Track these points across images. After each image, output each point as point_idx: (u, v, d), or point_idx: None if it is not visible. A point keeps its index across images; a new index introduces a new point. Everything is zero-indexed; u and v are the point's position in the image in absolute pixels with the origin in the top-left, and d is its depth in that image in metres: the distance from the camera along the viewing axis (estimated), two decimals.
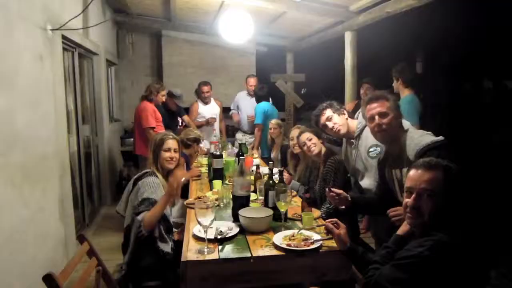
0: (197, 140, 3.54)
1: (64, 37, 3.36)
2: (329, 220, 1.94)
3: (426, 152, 1.84)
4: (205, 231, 1.90)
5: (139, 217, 2.18)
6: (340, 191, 2.20)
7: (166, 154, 2.50)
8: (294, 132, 3.35)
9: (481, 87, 7.87)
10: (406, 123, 2.16)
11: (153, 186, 2.31)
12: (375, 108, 2.05)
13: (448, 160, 1.54)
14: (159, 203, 2.22)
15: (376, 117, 2.03)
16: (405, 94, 3.59)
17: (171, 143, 2.54)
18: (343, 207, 2.25)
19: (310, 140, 2.99)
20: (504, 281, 2.92)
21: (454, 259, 1.40)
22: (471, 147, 4.73)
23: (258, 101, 5.06)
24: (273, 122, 4.38)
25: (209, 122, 5.30)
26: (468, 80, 7.82)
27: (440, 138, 1.95)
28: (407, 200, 1.53)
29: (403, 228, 1.74)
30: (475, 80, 7.82)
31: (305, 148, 3.02)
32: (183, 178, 2.77)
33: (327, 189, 2.21)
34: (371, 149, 2.42)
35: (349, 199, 2.21)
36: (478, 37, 6.14)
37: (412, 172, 1.54)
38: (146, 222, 2.16)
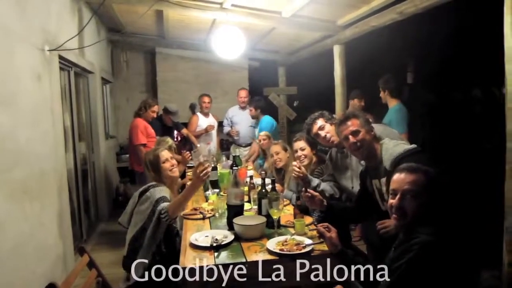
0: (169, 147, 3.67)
1: (60, 57, 3.46)
2: (321, 224, 2.03)
3: (400, 161, 1.96)
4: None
5: (160, 207, 2.32)
6: (316, 193, 2.31)
7: (167, 165, 2.63)
8: (275, 148, 3.43)
9: (470, 95, 8.03)
10: (381, 132, 2.29)
11: (162, 190, 2.46)
12: (347, 128, 2.18)
13: (424, 165, 1.66)
14: (184, 191, 2.33)
15: (350, 136, 2.17)
16: (393, 104, 3.73)
17: (165, 154, 2.66)
18: (318, 208, 2.40)
19: (303, 150, 3.02)
20: (497, 283, 2.99)
21: (440, 257, 1.48)
22: (460, 154, 4.86)
23: (263, 112, 5.20)
24: (262, 134, 4.49)
25: (207, 130, 5.45)
26: (457, 88, 7.98)
27: (413, 146, 2.09)
28: (392, 201, 1.63)
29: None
30: (464, 89, 7.98)
31: (295, 155, 3.08)
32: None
33: (303, 189, 2.31)
34: None
35: (325, 203, 2.31)
36: (465, 45, 6.31)
37: (396, 175, 1.65)
38: (170, 209, 2.28)
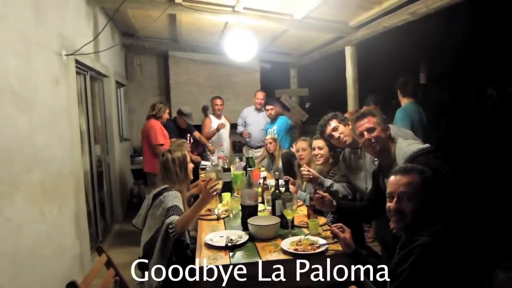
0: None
1: (77, 61, 3.54)
2: (335, 224, 2.04)
3: (413, 160, 1.96)
4: None
5: (168, 220, 2.27)
6: (325, 194, 2.32)
7: (190, 166, 2.67)
8: (300, 144, 3.45)
9: (484, 95, 7.92)
10: (395, 133, 2.29)
11: (176, 197, 2.43)
12: (363, 124, 2.20)
13: (437, 164, 1.65)
14: (193, 206, 2.29)
15: (365, 133, 2.19)
16: (403, 103, 3.75)
17: (189, 156, 2.70)
18: (328, 210, 2.40)
19: (321, 149, 3.03)
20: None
21: (444, 259, 1.47)
22: (473, 153, 4.80)
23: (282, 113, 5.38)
24: (268, 137, 4.63)
25: (219, 129, 5.48)
26: (471, 88, 7.88)
27: (426, 145, 2.09)
28: (390, 205, 1.64)
29: None
30: (478, 88, 7.88)
31: (313, 153, 3.09)
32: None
33: (313, 190, 2.32)
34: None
35: (334, 204, 2.32)
36: (479, 44, 6.24)
37: (391, 178, 1.66)
38: (179, 224, 2.24)
